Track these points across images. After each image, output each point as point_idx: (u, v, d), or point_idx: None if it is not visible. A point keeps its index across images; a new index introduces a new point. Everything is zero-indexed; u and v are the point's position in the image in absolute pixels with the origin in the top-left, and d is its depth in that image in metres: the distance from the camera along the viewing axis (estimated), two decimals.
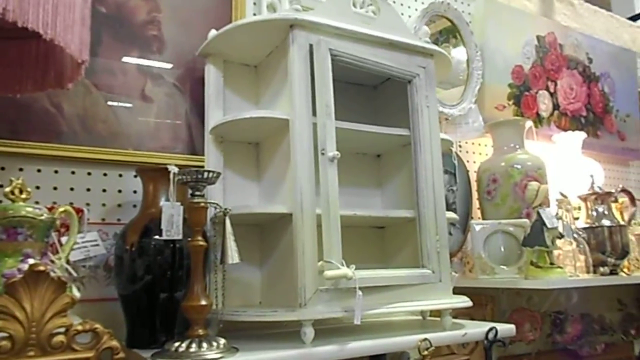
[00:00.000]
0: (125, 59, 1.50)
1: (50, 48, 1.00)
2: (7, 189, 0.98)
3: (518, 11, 2.62)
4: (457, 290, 1.48)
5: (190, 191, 1.15)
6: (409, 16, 2.21)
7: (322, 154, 1.28)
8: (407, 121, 1.52)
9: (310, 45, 1.34)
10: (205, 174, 1.12)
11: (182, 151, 1.54)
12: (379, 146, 1.68)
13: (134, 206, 1.44)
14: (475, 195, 2.23)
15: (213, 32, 1.47)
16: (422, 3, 2.25)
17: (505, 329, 1.46)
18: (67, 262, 1.11)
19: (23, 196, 0.99)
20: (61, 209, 1.06)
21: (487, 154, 2.35)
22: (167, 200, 1.23)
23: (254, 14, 1.75)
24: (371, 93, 1.77)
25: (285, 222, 1.30)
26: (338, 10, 1.42)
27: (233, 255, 1.14)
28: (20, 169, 1.33)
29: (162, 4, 1.58)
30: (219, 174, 1.17)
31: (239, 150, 1.51)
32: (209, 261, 1.29)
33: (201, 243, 1.11)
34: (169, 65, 1.57)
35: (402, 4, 2.19)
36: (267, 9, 1.75)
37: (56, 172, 1.37)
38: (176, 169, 1.15)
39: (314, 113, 1.32)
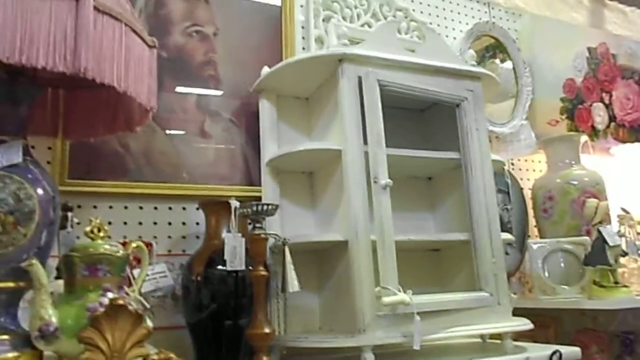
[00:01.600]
0: (185, 98, 1.60)
1: (121, 96, 1.09)
2: (88, 229, 1.07)
3: (566, 24, 2.59)
4: (517, 312, 1.46)
5: (250, 223, 1.21)
6: (454, 38, 2.22)
7: (375, 182, 1.31)
8: (457, 144, 1.54)
9: (359, 77, 1.39)
10: (265, 207, 1.18)
11: (240, 182, 1.62)
12: (429, 169, 1.70)
13: (197, 237, 1.52)
14: (531, 213, 2.19)
15: (266, 70, 1.55)
16: (467, 24, 2.27)
17: (571, 351, 1.43)
18: (140, 293, 1.18)
19: (101, 234, 1.07)
20: (134, 245, 1.14)
21: (542, 170, 2.31)
22: (229, 231, 1.29)
23: (303, 48, 1.82)
24: (420, 116, 1.79)
25: (341, 249, 1.34)
26: (384, 40, 1.46)
27: (293, 283, 1.18)
28: (94, 207, 1.44)
29: (218, 45, 1.68)
30: (276, 206, 1.22)
31: (294, 180, 1.57)
32: (271, 289, 1.35)
33: (263, 273, 1.17)
34: (226, 102, 1.66)
35: (446, 27, 2.21)
36: (315, 42, 1.82)
37: (126, 207, 1.47)
38: (237, 204, 1.22)
39: (365, 142, 1.36)
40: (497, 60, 2.30)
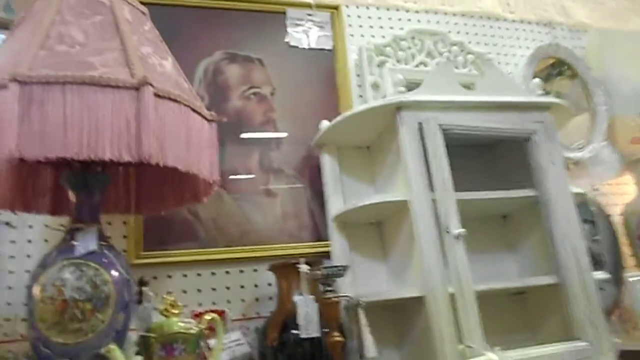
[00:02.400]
0: (248, 160, 1.62)
1: (185, 172, 1.11)
2: (162, 307, 1.09)
3: (637, 34, 2.42)
4: (624, 356, 1.32)
5: (321, 286, 1.18)
6: (515, 64, 2.13)
7: (447, 232, 1.25)
8: (531, 179, 1.45)
9: (419, 123, 1.35)
10: (334, 270, 1.14)
11: (308, 239, 1.60)
12: (504, 208, 1.60)
13: (270, 299, 1.51)
14: (623, 241, 2.01)
15: (324, 124, 1.55)
16: (528, 48, 2.17)
17: None
18: None
19: (175, 311, 1.08)
20: (208, 317, 1.14)
21: (631, 193, 2.12)
22: (301, 294, 1.27)
23: (360, 96, 1.81)
24: (488, 152, 1.71)
25: (418, 304, 1.28)
26: (441, 82, 1.42)
27: (370, 348, 1.13)
28: (169, 276, 1.47)
29: (275, 103, 1.70)
30: (346, 267, 1.19)
31: (362, 232, 1.54)
32: (348, 350, 1.30)
33: (338, 339, 1.13)
34: (288, 159, 1.66)
35: (505, 55, 2.13)
36: (371, 88, 1.81)
37: (199, 275, 1.49)
38: (306, 268, 1.20)
39: (432, 188, 1.31)
40: (566, 79, 2.18)
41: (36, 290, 0.96)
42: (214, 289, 1.49)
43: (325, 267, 1.16)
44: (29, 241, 1.39)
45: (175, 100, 1.02)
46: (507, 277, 1.54)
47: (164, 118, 0.98)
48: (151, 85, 0.97)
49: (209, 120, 1.14)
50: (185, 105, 1.05)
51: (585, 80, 2.16)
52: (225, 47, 1.70)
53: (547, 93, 2.14)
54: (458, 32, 2.05)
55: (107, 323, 0.97)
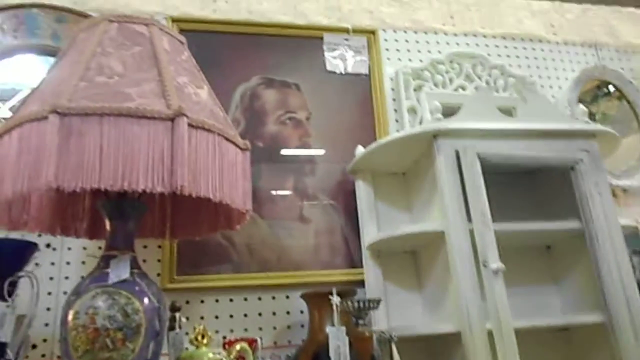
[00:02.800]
0: (283, 185, 1.62)
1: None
2: (192, 336, 1.08)
3: None
4: None
5: (354, 319, 1.15)
6: (559, 87, 2.06)
7: (485, 266, 1.20)
8: (576, 210, 1.39)
9: (457, 152, 1.32)
10: (367, 304, 1.12)
11: (342, 266, 1.57)
12: (547, 239, 1.54)
13: (302, 326, 1.48)
14: None
15: (360, 150, 1.53)
16: (573, 71, 2.10)
17: None
18: None
19: (205, 341, 1.08)
20: (237, 347, 1.13)
21: None
22: (333, 325, 1.24)
23: (396, 120, 1.78)
24: (528, 180, 1.65)
25: (454, 339, 1.23)
26: (480, 108, 1.39)
27: None
28: (202, 301, 1.47)
29: (311, 128, 1.69)
30: (379, 301, 1.16)
31: (397, 261, 1.50)
32: None
33: None
34: (322, 184, 1.65)
35: (548, 77, 2.06)
36: (408, 112, 1.78)
37: (231, 300, 1.49)
38: (338, 300, 1.17)
39: (470, 219, 1.27)
40: (614, 100, 2.09)
41: (70, 317, 0.97)
42: (245, 315, 1.48)
43: (358, 301, 1.13)
44: (68, 263, 1.42)
45: (209, 130, 1.03)
46: (549, 313, 1.47)
47: (197, 148, 0.99)
48: (186, 115, 0.97)
49: (242, 149, 1.14)
50: (219, 134, 1.05)
51: (635, 102, 2.07)
52: (262, 72, 1.71)
53: (593, 115, 2.06)
54: (498, 55, 2.00)
55: (137, 352, 0.97)
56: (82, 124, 0.91)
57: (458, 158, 1.31)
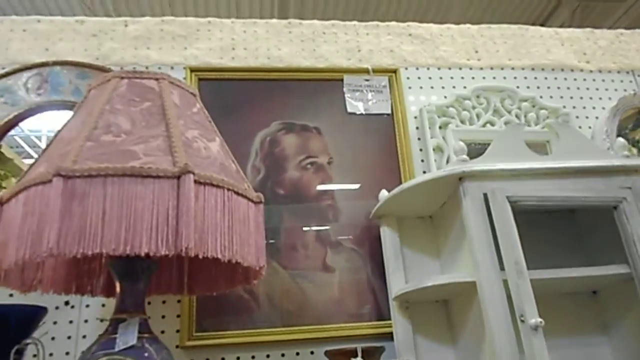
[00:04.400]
0: (305, 233, 1.56)
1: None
2: None
3: None
4: None
5: None
6: (596, 118, 1.95)
7: (522, 321, 1.10)
8: (622, 252, 1.27)
9: (484, 194, 1.23)
10: None
11: (369, 318, 1.48)
12: (592, 284, 1.41)
13: None
14: None
15: (384, 194, 1.47)
16: (610, 99, 1.99)
17: None
18: None
19: None
20: None
21: None
22: None
23: (422, 160, 1.71)
24: (567, 220, 1.54)
25: None
26: (510, 147, 1.31)
27: None
28: (222, 359, 1.40)
29: (333, 172, 1.64)
30: None
31: (427, 312, 1.41)
32: None
33: None
34: (346, 231, 1.58)
35: (584, 107, 1.96)
36: (434, 151, 1.71)
37: (253, 358, 1.42)
38: None
39: (503, 267, 1.17)
40: None
41: None
42: None
43: None
44: (86, 321, 1.39)
45: (217, 186, 0.99)
46: None
47: (205, 206, 0.95)
48: (192, 172, 0.94)
49: (255, 203, 1.10)
50: (228, 189, 1.01)
51: None
52: (282, 117, 1.68)
53: (635, 142, 1.94)
54: (528, 87, 1.92)
55: None
56: (86, 186, 0.89)
57: (486, 201, 1.22)
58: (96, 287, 1.27)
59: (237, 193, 1.04)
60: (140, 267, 1.06)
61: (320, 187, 1.62)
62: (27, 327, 1.06)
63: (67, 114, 1.61)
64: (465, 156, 1.29)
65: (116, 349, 0.95)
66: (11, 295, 1.37)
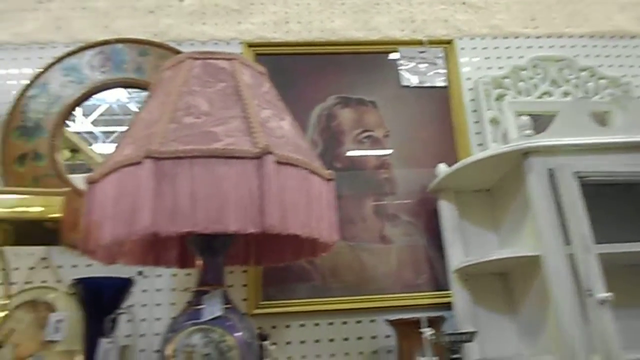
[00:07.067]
0: (363, 206, 1.59)
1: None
2: None
3: None
4: None
5: (448, 352, 1.10)
6: None
7: (589, 295, 1.12)
8: None
9: (550, 170, 1.23)
10: (462, 337, 1.07)
11: (426, 288, 1.52)
12: None
13: (389, 351, 1.45)
14: None
15: (442, 168, 1.48)
16: None
17: None
18: None
19: None
20: None
21: None
22: (423, 355, 1.20)
23: (477, 133, 1.71)
24: (634, 191, 1.51)
25: None
26: (575, 121, 1.29)
27: None
28: (287, 326, 1.47)
29: (389, 146, 1.66)
30: (474, 333, 1.10)
31: (486, 284, 1.44)
32: None
33: None
34: (403, 204, 1.61)
35: None
36: (489, 124, 1.70)
37: (316, 324, 1.48)
38: (430, 333, 1.13)
39: (568, 241, 1.18)
40: None
41: (168, 354, 0.99)
42: (331, 340, 1.47)
43: (452, 334, 1.08)
44: (158, 290, 1.47)
45: (295, 165, 1.02)
46: None
47: (285, 185, 0.98)
48: (272, 153, 0.97)
49: (327, 180, 1.13)
50: (304, 168, 1.04)
51: None
52: (338, 91, 1.69)
53: None
54: (587, 56, 1.87)
55: None
56: (174, 168, 0.93)
57: (552, 177, 1.23)
58: (170, 259, 1.34)
59: (312, 171, 1.07)
60: (220, 243, 1.11)
61: (376, 161, 1.64)
62: (119, 298, 1.13)
63: (129, 92, 1.68)
64: (530, 131, 1.29)
65: (203, 319, 1.01)
66: (89, 265, 1.47)
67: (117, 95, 1.69)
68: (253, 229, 0.92)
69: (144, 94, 1.69)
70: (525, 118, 1.32)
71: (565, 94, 1.75)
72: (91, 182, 1.04)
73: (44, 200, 0.98)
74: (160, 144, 0.96)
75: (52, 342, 1.33)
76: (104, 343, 1.05)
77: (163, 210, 0.90)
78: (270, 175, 0.95)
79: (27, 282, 1.44)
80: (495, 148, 1.34)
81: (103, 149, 1.67)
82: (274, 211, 0.93)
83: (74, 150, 1.65)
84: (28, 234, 0.97)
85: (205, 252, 1.10)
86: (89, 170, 1.59)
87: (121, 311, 1.10)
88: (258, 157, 0.97)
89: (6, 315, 1.20)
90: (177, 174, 0.93)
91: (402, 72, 1.74)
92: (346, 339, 1.47)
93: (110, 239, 0.94)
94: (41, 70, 1.64)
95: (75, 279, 1.13)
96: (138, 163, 0.94)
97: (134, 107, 1.70)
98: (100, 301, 1.10)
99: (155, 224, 0.90)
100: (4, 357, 1.34)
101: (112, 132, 1.72)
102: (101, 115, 1.69)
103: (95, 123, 1.67)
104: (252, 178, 0.95)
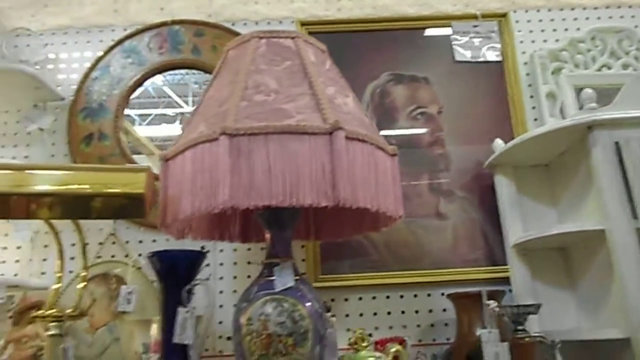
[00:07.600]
0: (418, 182, 1.60)
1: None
2: (352, 339, 1.12)
3: None
4: None
5: (512, 324, 1.12)
6: None
7: None
8: None
9: (616, 143, 1.22)
10: (527, 309, 1.08)
11: (483, 263, 1.53)
12: None
13: (446, 324, 1.48)
14: None
15: (498, 144, 1.47)
16: None
17: None
18: None
19: (364, 344, 1.11)
20: (393, 349, 1.15)
21: None
22: (484, 327, 1.22)
23: (533, 107, 1.68)
24: None
25: (621, 346, 1.16)
26: None
27: None
28: (346, 299, 1.51)
29: (443, 122, 1.66)
30: (539, 306, 1.11)
31: (545, 259, 1.44)
32: None
33: None
34: (457, 179, 1.61)
35: None
36: (546, 98, 1.67)
37: (374, 298, 1.51)
38: (495, 305, 1.14)
39: (635, 215, 1.17)
40: None
41: (243, 323, 1.04)
42: (389, 313, 1.50)
43: (518, 306, 1.09)
44: (221, 264, 1.52)
45: (363, 141, 1.04)
46: None
47: (354, 160, 1.01)
48: (342, 128, 0.99)
49: (391, 155, 1.15)
50: (370, 143, 1.06)
51: None
52: (391, 68, 1.69)
53: None
54: None
55: (307, 357, 1.02)
56: (250, 144, 0.97)
57: (618, 150, 1.21)
58: (233, 234, 1.38)
59: (378, 146, 1.09)
60: (288, 216, 1.14)
61: (430, 137, 1.64)
62: (194, 270, 1.19)
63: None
64: (594, 104, 1.27)
65: (276, 290, 1.05)
66: (154, 241, 1.53)
67: (153, 79, 1.72)
68: (326, 202, 0.95)
69: (178, 77, 1.74)
70: (589, 91, 1.29)
71: (625, 66, 1.71)
72: (166, 159, 1.09)
73: (127, 177, 1.03)
74: (235, 120, 0.99)
75: (123, 312, 1.41)
76: (182, 312, 1.10)
77: (240, 185, 0.94)
78: (341, 150, 0.98)
79: (97, 257, 1.52)
80: (556, 122, 1.33)
81: (140, 131, 1.71)
82: (345, 185, 0.96)
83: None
84: (112, 208, 1.02)
85: (274, 226, 1.14)
86: (135, 152, 1.64)
87: (196, 282, 1.15)
88: (329, 132, 0.99)
89: (85, 286, 1.27)
90: (252, 150, 0.96)
91: (456, 47, 1.72)
92: (403, 312, 1.50)
93: (191, 212, 0.98)
94: (102, 53, 1.70)
95: (151, 253, 1.18)
96: (214, 140, 0.98)
97: (168, 90, 1.74)
98: (176, 273, 1.15)
99: (234, 198, 0.94)
100: (81, 326, 1.42)
101: (148, 115, 1.77)
102: (137, 98, 1.71)
103: (131, 106, 1.70)
104: (324, 153, 0.98)
